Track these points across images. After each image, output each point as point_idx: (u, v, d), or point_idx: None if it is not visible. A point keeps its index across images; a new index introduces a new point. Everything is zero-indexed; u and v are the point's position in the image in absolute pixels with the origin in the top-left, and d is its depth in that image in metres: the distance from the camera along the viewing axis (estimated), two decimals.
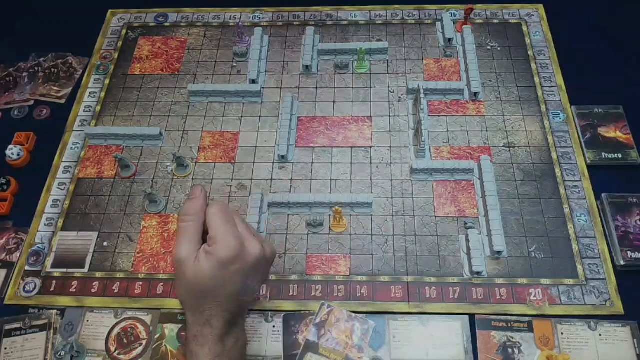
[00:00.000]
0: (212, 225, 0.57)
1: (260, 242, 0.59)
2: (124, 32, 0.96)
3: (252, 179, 0.78)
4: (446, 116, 0.83)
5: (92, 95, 0.88)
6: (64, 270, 0.72)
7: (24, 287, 0.71)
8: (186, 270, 0.56)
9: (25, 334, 0.67)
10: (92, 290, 0.70)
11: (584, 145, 0.79)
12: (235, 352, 0.57)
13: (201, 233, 0.59)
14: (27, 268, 0.72)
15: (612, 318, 0.66)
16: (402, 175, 0.78)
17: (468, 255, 0.70)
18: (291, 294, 0.69)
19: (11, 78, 0.92)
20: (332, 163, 0.79)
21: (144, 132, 0.81)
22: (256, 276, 0.61)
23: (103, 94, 0.88)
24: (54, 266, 0.72)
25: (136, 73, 0.90)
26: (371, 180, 0.77)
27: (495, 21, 0.93)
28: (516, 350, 0.64)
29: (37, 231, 0.75)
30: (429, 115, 0.83)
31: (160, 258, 0.72)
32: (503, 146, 0.80)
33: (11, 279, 0.72)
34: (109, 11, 0.99)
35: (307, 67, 0.88)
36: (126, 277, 0.71)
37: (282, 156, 0.79)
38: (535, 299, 0.67)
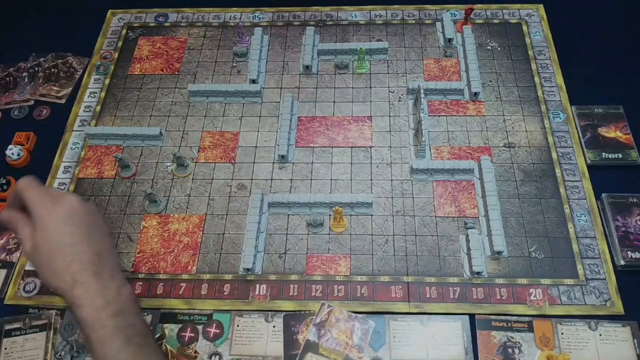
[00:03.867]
0: (28, 197, 0.56)
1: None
2: (124, 32, 0.96)
3: (252, 179, 0.78)
4: (446, 116, 0.83)
5: (92, 95, 0.88)
6: None
7: (24, 287, 0.71)
8: (34, 242, 0.55)
9: (25, 334, 0.67)
10: None
11: (584, 145, 0.79)
12: (123, 300, 0.55)
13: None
14: (27, 268, 0.72)
15: (612, 318, 0.66)
16: (402, 175, 0.78)
17: (468, 255, 0.70)
18: (291, 294, 0.69)
19: (11, 78, 0.92)
20: (332, 163, 0.79)
21: (144, 132, 0.81)
22: (95, 223, 0.59)
23: (103, 94, 0.88)
24: None
25: (136, 73, 0.90)
26: (371, 180, 0.77)
27: (495, 21, 0.93)
28: (516, 350, 0.64)
29: None
30: (429, 115, 0.83)
31: (161, 258, 0.72)
32: (503, 146, 0.80)
33: (11, 279, 0.72)
34: (109, 11, 0.99)
35: (307, 67, 0.88)
36: (126, 277, 0.71)
37: (282, 156, 0.79)
38: (535, 299, 0.67)
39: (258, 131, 0.83)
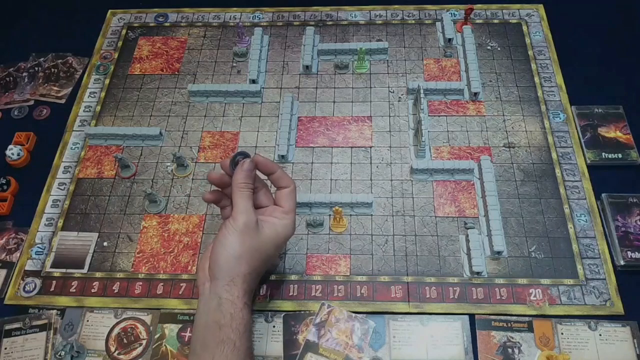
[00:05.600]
0: (288, 202, 0.62)
1: None
2: (124, 32, 0.96)
3: None
4: (446, 116, 0.83)
5: (92, 95, 0.88)
6: (64, 270, 0.72)
7: (24, 287, 0.71)
8: (249, 234, 0.58)
9: (25, 334, 0.67)
10: (92, 290, 0.70)
11: (584, 145, 0.79)
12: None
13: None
14: (27, 268, 0.72)
15: (612, 318, 0.66)
16: (402, 175, 0.78)
17: (468, 255, 0.70)
18: (291, 294, 0.69)
19: (11, 78, 0.92)
20: (332, 163, 0.79)
21: (143, 132, 0.81)
22: None
23: (103, 94, 0.88)
24: (53, 266, 0.72)
25: (136, 73, 0.90)
26: (371, 180, 0.77)
27: (495, 21, 0.93)
28: (516, 350, 0.64)
29: (37, 231, 0.75)
30: (429, 115, 0.83)
31: (160, 258, 0.72)
32: (503, 146, 0.80)
33: (11, 279, 0.72)
34: (109, 11, 0.99)
35: (307, 67, 0.88)
36: (126, 277, 0.71)
37: (282, 156, 0.79)
38: (535, 299, 0.67)
39: (258, 131, 0.83)
